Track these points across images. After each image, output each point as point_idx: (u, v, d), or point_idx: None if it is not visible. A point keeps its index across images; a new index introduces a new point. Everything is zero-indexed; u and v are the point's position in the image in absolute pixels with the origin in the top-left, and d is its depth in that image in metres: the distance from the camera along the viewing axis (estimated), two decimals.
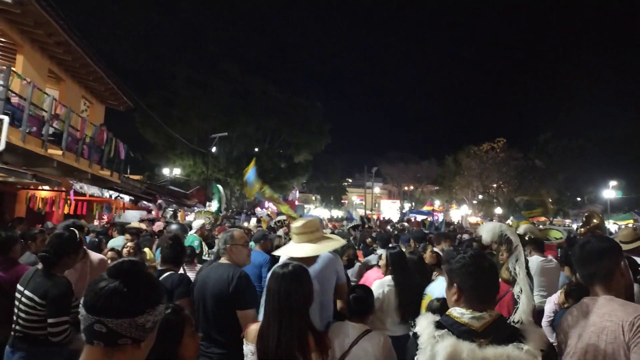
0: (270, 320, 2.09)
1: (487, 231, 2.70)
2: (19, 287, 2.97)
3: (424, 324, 1.69)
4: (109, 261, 3.94)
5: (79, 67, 12.80)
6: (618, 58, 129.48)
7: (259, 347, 2.09)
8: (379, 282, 3.65)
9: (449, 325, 1.63)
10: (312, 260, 3.08)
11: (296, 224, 3.23)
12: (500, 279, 4.01)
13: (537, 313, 4.36)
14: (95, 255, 3.90)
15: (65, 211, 11.41)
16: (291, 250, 3.15)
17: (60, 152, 10.26)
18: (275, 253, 3.26)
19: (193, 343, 1.83)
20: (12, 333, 2.91)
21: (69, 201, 11.18)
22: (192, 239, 7.04)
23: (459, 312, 1.65)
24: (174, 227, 7.70)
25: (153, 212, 15.77)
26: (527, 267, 4.21)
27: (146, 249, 6.30)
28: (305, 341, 2.04)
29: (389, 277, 3.62)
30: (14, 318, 2.91)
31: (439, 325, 1.65)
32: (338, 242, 3.30)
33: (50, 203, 11.17)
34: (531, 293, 2.19)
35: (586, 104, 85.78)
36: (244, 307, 2.82)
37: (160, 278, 3.39)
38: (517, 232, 6.90)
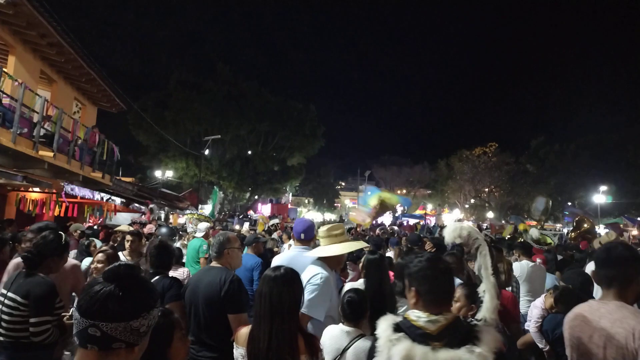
0: (261, 323, 2.09)
1: (449, 232, 2.76)
2: (2, 290, 2.92)
3: (383, 327, 1.72)
4: (95, 265, 3.88)
5: (71, 68, 12.74)
6: (610, 63, 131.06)
7: (249, 350, 2.10)
8: (350, 285, 3.66)
9: (406, 329, 1.67)
10: (337, 260, 3.21)
11: (323, 228, 3.33)
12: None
13: (524, 317, 4.40)
14: (69, 261, 3.73)
15: (56, 213, 11.33)
16: (320, 251, 3.24)
17: (51, 154, 10.19)
18: (308, 254, 3.31)
19: (183, 347, 1.82)
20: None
21: (59, 203, 11.10)
22: (199, 242, 6.91)
23: (415, 316, 1.68)
24: (163, 230, 7.66)
25: (144, 216, 15.70)
26: (510, 270, 4.27)
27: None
28: (295, 344, 2.05)
29: (361, 281, 3.64)
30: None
31: (397, 329, 1.69)
32: (360, 243, 3.55)
33: (41, 205, 11.09)
34: (494, 292, 2.23)
35: (578, 110, 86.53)
36: (236, 311, 2.83)
37: (155, 279, 3.41)
38: (529, 236, 6.96)
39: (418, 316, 1.67)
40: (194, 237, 7.51)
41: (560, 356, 3.17)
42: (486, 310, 2.21)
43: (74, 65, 12.58)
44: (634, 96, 74.57)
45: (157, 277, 3.39)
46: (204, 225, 7.73)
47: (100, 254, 3.96)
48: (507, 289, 4.27)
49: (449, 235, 2.77)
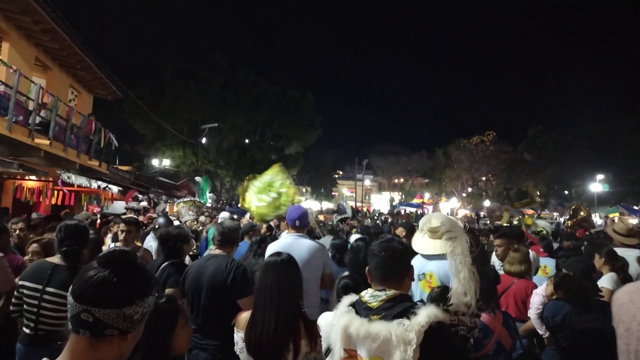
0: (266, 308, 2.10)
1: (422, 220, 2.99)
2: (32, 284, 2.78)
3: (342, 303, 1.88)
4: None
5: (66, 55, 12.60)
6: (607, 54, 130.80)
7: (248, 335, 2.11)
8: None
9: (356, 304, 1.83)
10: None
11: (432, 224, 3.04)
12: (504, 272, 4.12)
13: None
14: None
15: (53, 202, 11.29)
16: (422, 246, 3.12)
17: (47, 142, 10.10)
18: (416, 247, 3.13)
19: (186, 334, 1.82)
20: (29, 331, 2.76)
21: (56, 191, 11.05)
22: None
23: (365, 292, 1.84)
24: (160, 220, 7.65)
25: (144, 202, 15.66)
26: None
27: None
28: (297, 329, 2.07)
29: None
30: (32, 317, 2.75)
31: (351, 304, 1.84)
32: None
33: (38, 193, 11.03)
34: (470, 279, 2.33)
35: (575, 99, 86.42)
36: (245, 295, 2.87)
37: (162, 266, 3.48)
38: (537, 227, 6.99)
39: (366, 292, 1.84)
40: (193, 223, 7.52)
41: (560, 343, 3.19)
42: (454, 294, 2.31)
43: (69, 52, 12.43)
44: (630, 86, 74.67)
45: (166, 263, 3.47)
46: (225, 214, 7.80)
47: (34, 245, 3.55)
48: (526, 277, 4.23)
49: (421, 222, 3.05)
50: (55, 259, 2.88)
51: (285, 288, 2.13)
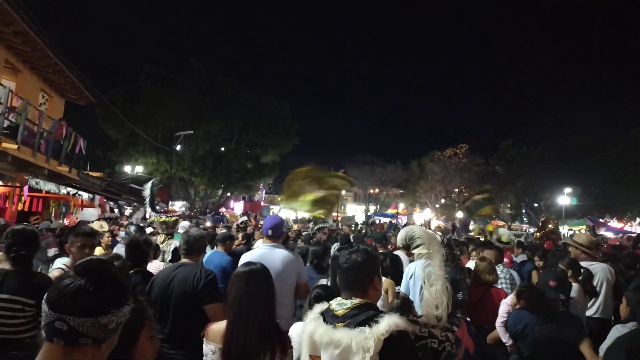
0: (239, 319, 2.09)
1: (400, 235, 3.03)
2: None
3: (314, 311, 1.95)
4: None
5: (38, 58, 12.31)
6: (577, 72, 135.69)
7: (225, 346, 2.09)
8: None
9: (325, 312, 1.88)
10: None
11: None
12: (477, 281, 4.25)
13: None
14: None
15: (19, 208, 10.96)
16: None
17: (15, 146, 9.82)
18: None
19: (151, 347, 1.71)
20: None
21: (22, 197, 10.73)
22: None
23: (334, 300, 1.91)
24: (132, 228, 7.52)
25: (116, 211, 15.34)
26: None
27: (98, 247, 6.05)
28: (270, 339, 2.06)
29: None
30: None
31: (320, 312, 1.91)
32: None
33: (4, 199, 10.68)
34: (442, 293, 2.40)
35: (546, 114, 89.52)
36: (214, 300, 2.86)
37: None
38: (501, 237, 7.21)
39: (335, 300, 1.91)
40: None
41: (522, 351, 3.28)
42: (424, 305, 2.39)
43: (41, 55, 12.15)
44: (598, 102, 77.54)
45: (131, 272, 3.41)
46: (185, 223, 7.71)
47: None
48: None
49: (400, 236, 3.17)
50: (6, 265, 2.78)
51: (254, 299, 2.11)
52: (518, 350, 3.33)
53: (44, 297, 1.12)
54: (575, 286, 4.06)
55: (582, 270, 4.44)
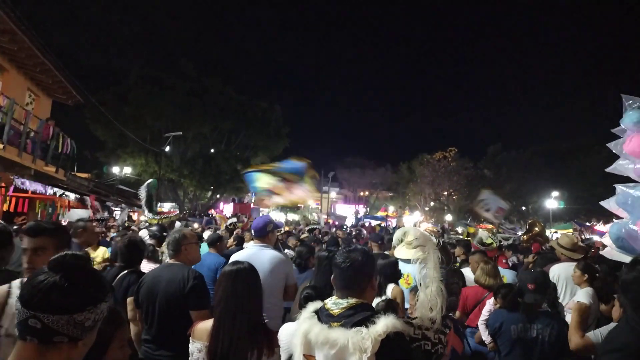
0: (226, 317, 2.08)
1: (396, 235, 3.11)
2: None
3: (307, 310, 1.91)
4: None
5: (24, 57, 12.16)
6: (564, 76, 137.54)
7: (211, 344, 2.08)
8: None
9: (320, 311, 1.86)
10: None
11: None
12: (479, 284, 4.27)
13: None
14: None
15: (5, 208, 10.80)
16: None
17: (0, 146, 9.69)
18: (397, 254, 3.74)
19: (121, 357, 1.59)
20: None
21: (8, 198, 10.58)
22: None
23: (329, 299, 1.88)
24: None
25: (101, 212, 15.16)
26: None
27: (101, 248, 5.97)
28: (257, 338, 2.06)
29: None
30: None
31: (315, 311, 1.88)
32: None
33: None
34: (437, 295, 2.38)
35: (533, 119, 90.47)
36: (200, 307, 2.81)
37: (119, 275, 3.41)
38: (478, 239, 7.31)
39: (330, 299, 1.89)
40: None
41: (500, 349, 3.32)
42: (419, 307, 2.37)
43: (28, 54, 12.01)
44: (586, 107, 78.67)
45: (124, 272, 3.40)
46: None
47: None
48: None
49: (395, 236, 3.17)
50: None
51: (242, 297, 2.11)
52: (497, 347, 3.36)
53: (18, 294, 1.09)
54: (587, 290, 3.81)
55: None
